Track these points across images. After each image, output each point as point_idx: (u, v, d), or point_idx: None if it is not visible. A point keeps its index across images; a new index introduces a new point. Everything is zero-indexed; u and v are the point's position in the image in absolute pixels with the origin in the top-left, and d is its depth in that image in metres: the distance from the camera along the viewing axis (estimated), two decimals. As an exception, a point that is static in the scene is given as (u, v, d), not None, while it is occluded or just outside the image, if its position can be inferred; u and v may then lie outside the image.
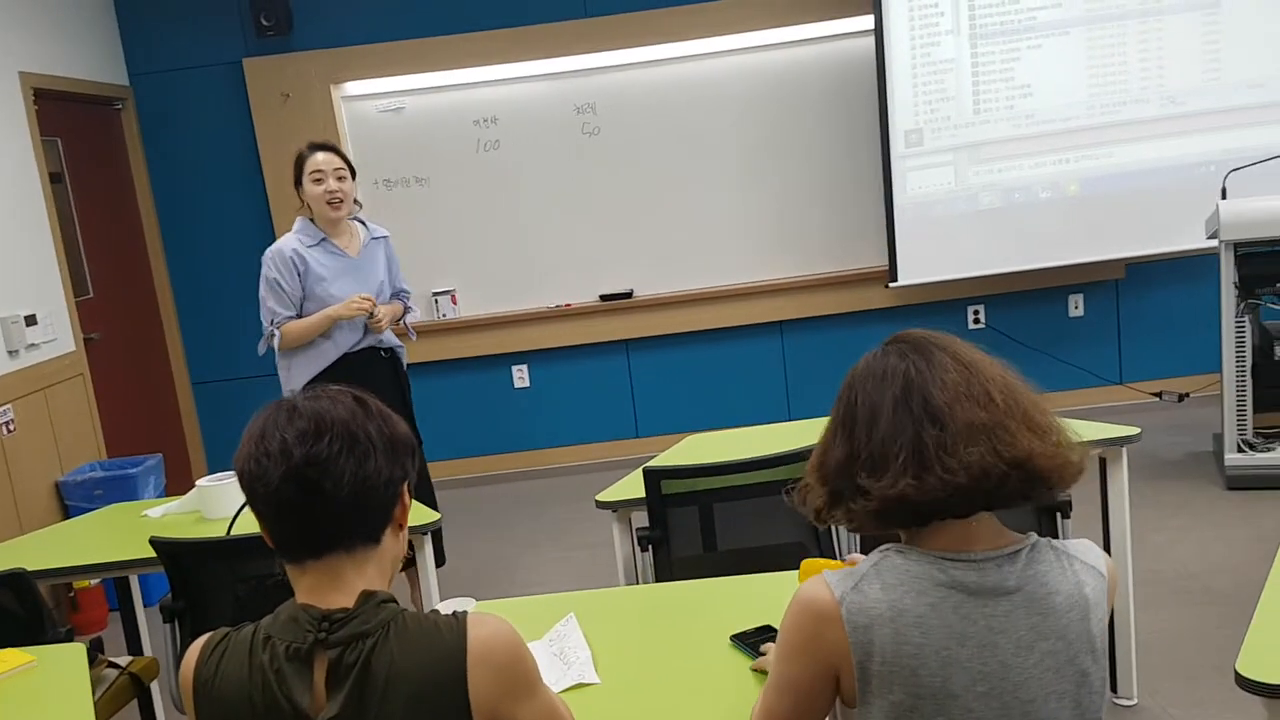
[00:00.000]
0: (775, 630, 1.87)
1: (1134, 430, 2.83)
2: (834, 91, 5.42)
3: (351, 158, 5.41)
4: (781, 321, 5.58)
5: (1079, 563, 1.32)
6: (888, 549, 1.33)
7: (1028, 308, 5.57)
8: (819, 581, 1.32)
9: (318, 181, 3.42)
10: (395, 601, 1.30)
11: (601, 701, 1.75)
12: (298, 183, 3.49)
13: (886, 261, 5.30)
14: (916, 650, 1.26)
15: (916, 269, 5.24)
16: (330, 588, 1.27)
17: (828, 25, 5.32)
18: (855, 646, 1.28)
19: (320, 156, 3.44)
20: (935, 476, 1.25)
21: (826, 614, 1.29)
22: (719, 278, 5.58)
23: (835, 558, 2.76)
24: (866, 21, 5.16)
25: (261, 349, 3.58)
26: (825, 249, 5.56)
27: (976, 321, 5.59)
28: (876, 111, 5.18)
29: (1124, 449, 2.82)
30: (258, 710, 1.24)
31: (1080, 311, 5.60)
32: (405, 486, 1.34)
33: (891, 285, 5.27)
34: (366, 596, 1.27)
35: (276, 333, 3.44)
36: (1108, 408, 5.39)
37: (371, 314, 3.46)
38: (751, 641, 1.85)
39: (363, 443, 1.26)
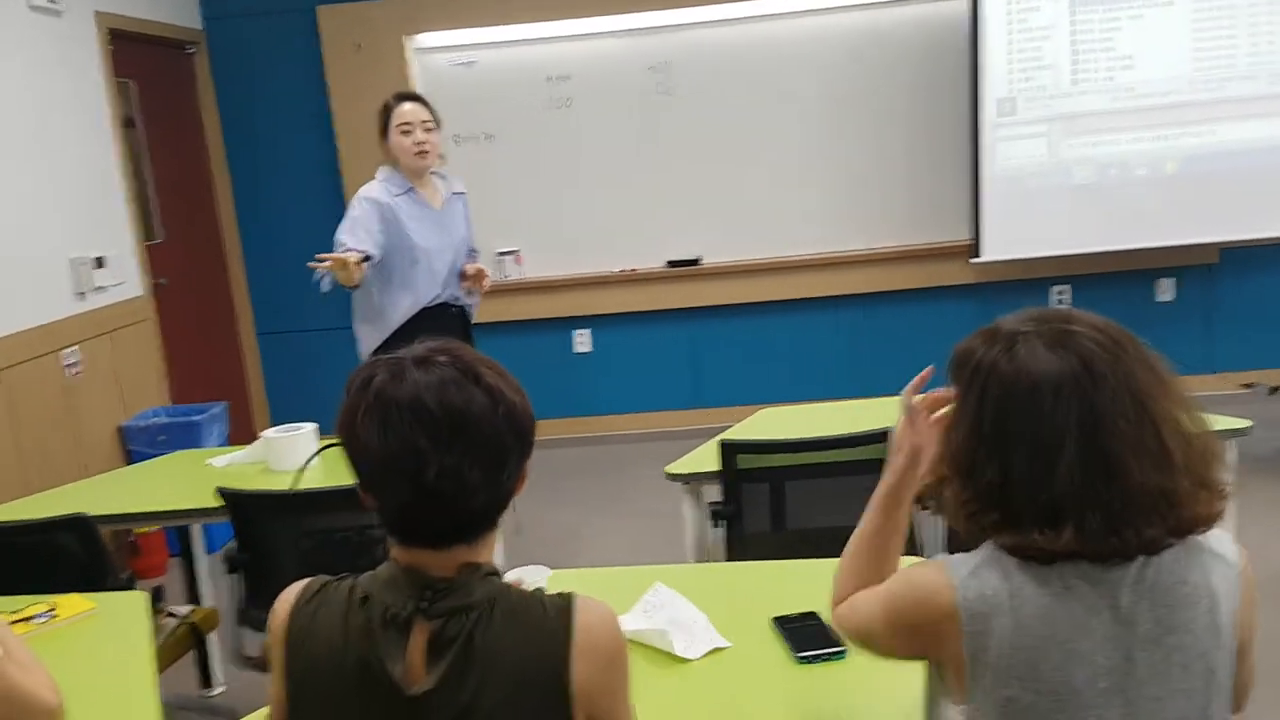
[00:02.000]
0: (818, 619, 1.80)
1: (1245, 423, 2.67)
2: (922, 55, 5.21)
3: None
4: (854, 295, 5.42)
5: (1207, 552, 1.24)
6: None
7: (1115, 290, 5.33)
8: (935, 565, 1.26)
9: (406, 133, 3.37)
10: (498, 574, 1.23)
11: (689, 679, 1.68)
12: (384, 134, 3.41)
13: (968, 235, 5.11)
14: (1038, 643, 1.19)
15: (1002, 245, 5.04)
16: (437, 560, 1.20)
17: (918, -13, 5.11)
18: (969, 637, 1.21)
19: (408, 107, 3.40)
20: (1105, 541, 1.18)
21: (939, 601, 1.23)
22: (791, 248, 5.43)
23: (915, 542, 2.64)
24: (959, -17, 4.95)
25: (363, 302, 3.48)
26: (904, 221, 5.37)
27: (1060, 302, 5.38)
28: (967, 77, 4.97)
29: (1233, 442, 2.66)
30: (347, 673, 1.18)
31: (1170, 296, 5.36)
32: (525, 467, 1.27)
33: (975, 261, 5.08)
34: (471, 568, 1.20)
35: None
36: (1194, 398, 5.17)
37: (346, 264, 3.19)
38: (790, 629, 1.78)
39: (496, 449, 1.19)
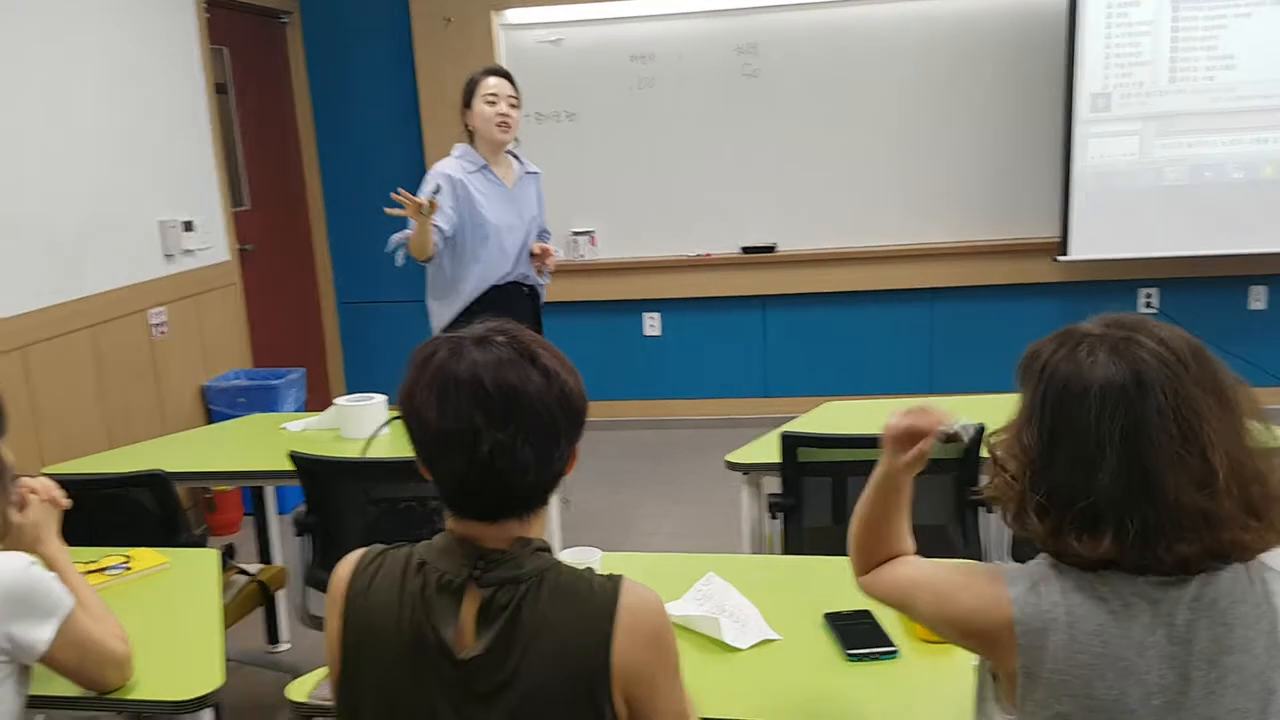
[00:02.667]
0: (872, 618, 1.80)
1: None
2: (1015, 47, 5.08)
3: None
4: (933, 289, 5.33)
5: (1270, 570, 1.22)
6: None
7: (1204, 295, 5.16)
8: (994, 576, 1.26)
9: (491, 103, 3.41)
10: (549, 550, 1.26)
11: (737, 669, 1.69)
12: (467, 104, 3.45)
13: (1054, 233, 4.99)
14: (1094, 660, 1.18)
15: (1089, 244, 4.91)
16: (490, 532, 1.24)
17: (1014, -24, 4.99)
18: (1024, 651, 1.21)
19: (494, 80, 3.44)
20: (1141, 553, 1.18)
21: (995, 615, 1.23)
22: (869, 238, 5.35)
23: (979, 548, 2.61)
24: (1058, -26, 4.82)
25: (436, 276, 3.52)
26: (988, 215, 5.26)
27: (1148, 305, 5.22)
28: (1060, 71, 4.84)
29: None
30: (404, 634, 1.22)
31: (1261, 304, 5.17)
32: (576, 447, 1.29)
33: (1061, 259, 4.96)
34: (523, 542, 1.24)
35: (405, 242, 3.37)
36: (1275, 410, 4.98)
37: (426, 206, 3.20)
38: (842, 626, 1.78)
39: (548, 426, 1.22)
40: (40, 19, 3.58)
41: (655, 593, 1.25)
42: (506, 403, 1.19)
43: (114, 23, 3.97)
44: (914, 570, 1.42)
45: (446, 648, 1.20)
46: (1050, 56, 4.97)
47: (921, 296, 5.36)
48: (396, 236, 3.39)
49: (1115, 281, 5.15)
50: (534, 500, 1.26)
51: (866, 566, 1.47)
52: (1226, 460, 1.17)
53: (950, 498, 2.62)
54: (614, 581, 1.23)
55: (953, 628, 1.31)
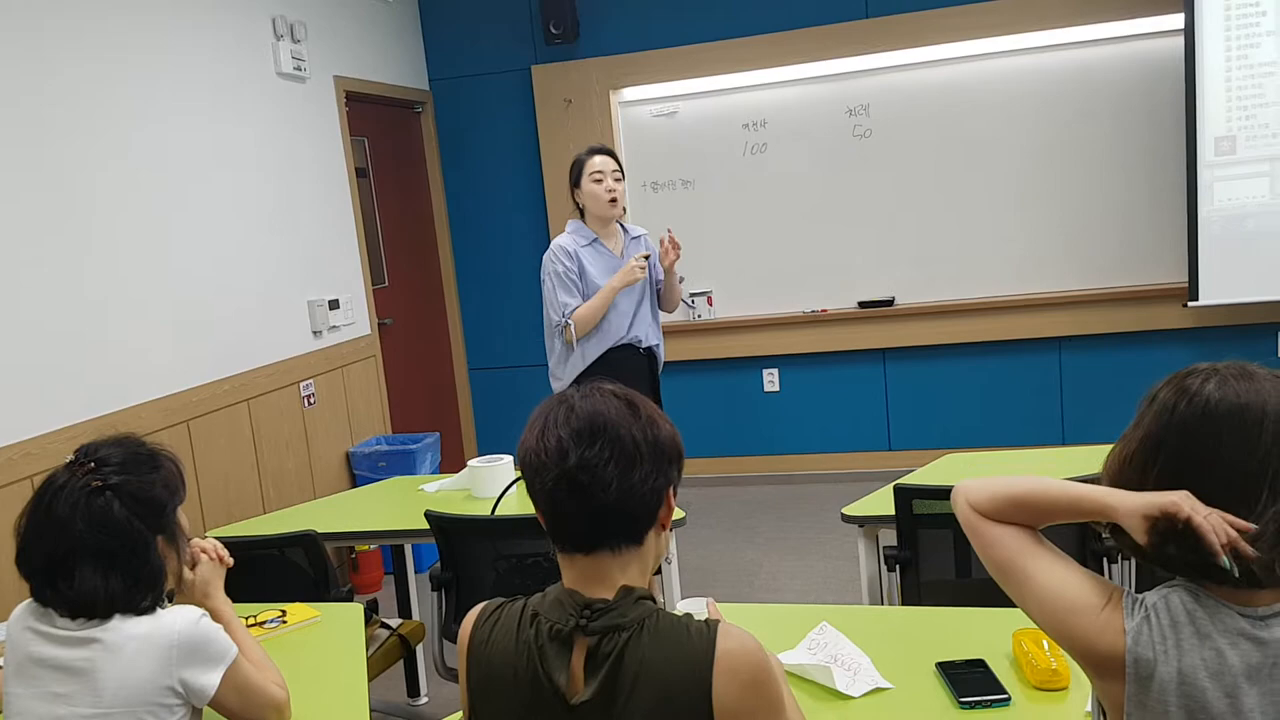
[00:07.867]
0: (985, 666, 1.83)
1: None
2: (1131, 94, 5.03)
3: (623, 161, 5.62)
4: (1059, 338, 5.25)
5: None
6: (1176, 585, 1.28)
7: (1351, 337, 4.94)
8: (1115, 602, 1.27)
9: (598, 181, 3.63)
10: (653, 599, 1.34)
11: (849, 717, 1.73)
12: (575, 184, 3.66)
13: (1183, 278, 4.87)
14: (1197, 694, 1.21)
15: (1221, 288, 4.76)
16: (594, 579, 1.33)
17: (1129, 24, 4.94)
18: (1131, 680, 1.24)
19: (599, 159, 3.65)
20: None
21: (1107, 642, 1.25)
22: (990, 288, 5.32)
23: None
24: (1173, 20, 4.76)
25: (555, 345, 3.71)
26: (1113, 262, 5.17)
27: (1288, 348, 5.03)
28: (1178, 116, 4.77)
29: None
30: (520, 681, 1.32)
31: None
32: (670, 491, 1.37)
33: (1190, 304, 4.83)
34: (626, 591, 1.32)
35: (571, 323, 3.61)
36: None
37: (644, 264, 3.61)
38: (954, 675, 1.81)
39: (630, 450, 1.31)
40: (212, 127, 3.94)
41: (753, 636, 1.31)
42: (592, 425, 1.30)
43: (263, 121, 4.33)
44: (1034, 554, 1.33)
45: (559, 693, 1.29)
46: (1168, 102, 4.90)
47: (1048, 346, 5.28)
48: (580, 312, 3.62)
49: (1251, 325, 4.97)
50: (621, 528, 1.32)
51: (990, 513, 1.37)
52: None
53: (1073, 548, 2.59)
54: (711, 626, 1.30)
55: (1059, 639, 1.31)
